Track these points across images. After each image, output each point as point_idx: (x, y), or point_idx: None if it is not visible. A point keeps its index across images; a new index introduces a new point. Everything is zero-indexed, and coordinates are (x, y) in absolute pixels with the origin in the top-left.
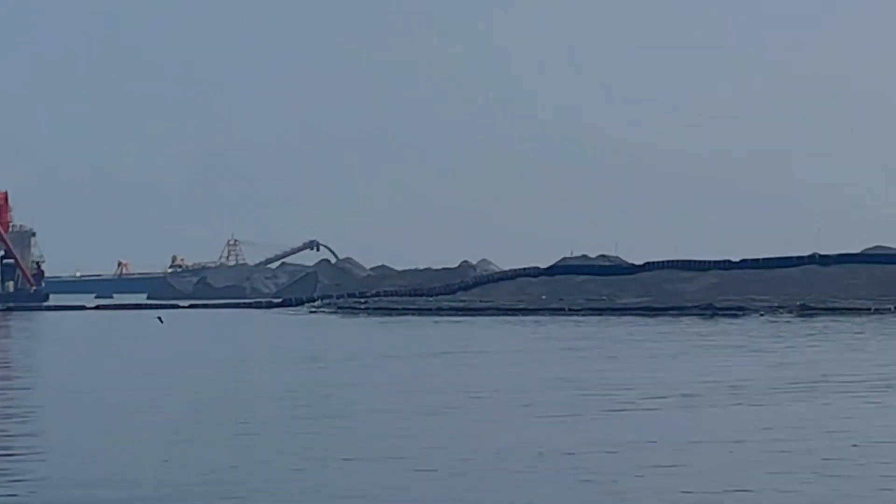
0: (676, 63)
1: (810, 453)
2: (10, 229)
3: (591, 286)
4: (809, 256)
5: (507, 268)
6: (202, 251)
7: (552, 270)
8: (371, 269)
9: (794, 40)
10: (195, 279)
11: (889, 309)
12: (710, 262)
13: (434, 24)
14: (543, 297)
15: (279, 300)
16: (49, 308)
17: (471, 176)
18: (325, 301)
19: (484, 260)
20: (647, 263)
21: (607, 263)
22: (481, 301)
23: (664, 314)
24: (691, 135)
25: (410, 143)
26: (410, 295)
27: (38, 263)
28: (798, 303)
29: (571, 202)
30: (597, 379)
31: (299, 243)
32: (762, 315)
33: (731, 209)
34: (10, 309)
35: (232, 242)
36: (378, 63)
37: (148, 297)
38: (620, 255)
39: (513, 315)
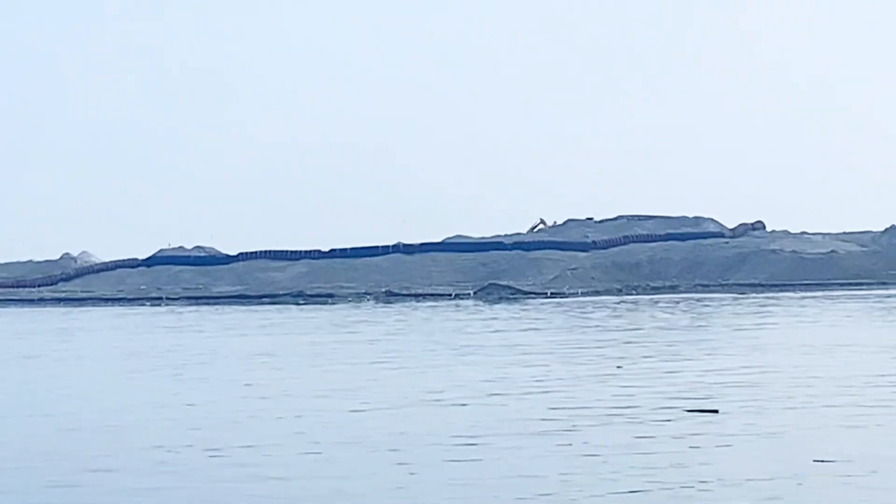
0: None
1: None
2: None
3: (188, 276)
4: (394, 246)
5: (107, 259)
6: None
7: (150, 261)
8: None
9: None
10: None
11: (468, 294)
12: (300, 251)
13: None
14: (142, 286)
15: None
16: None
17: (68, 166)
18: None
19: (85, 252)
20: (241, 254)
21: (203, 254)
22: (83, 291)
23: (258, 301)
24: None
25: None
26: (13, 286)
27: None
28: (384, 289)
29: (167, 193)
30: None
31: None
32: (350, 301)
33: (323, 202)
34: None
35: None
36: None
37: None
38: (216, 246)
39: (113, 305)
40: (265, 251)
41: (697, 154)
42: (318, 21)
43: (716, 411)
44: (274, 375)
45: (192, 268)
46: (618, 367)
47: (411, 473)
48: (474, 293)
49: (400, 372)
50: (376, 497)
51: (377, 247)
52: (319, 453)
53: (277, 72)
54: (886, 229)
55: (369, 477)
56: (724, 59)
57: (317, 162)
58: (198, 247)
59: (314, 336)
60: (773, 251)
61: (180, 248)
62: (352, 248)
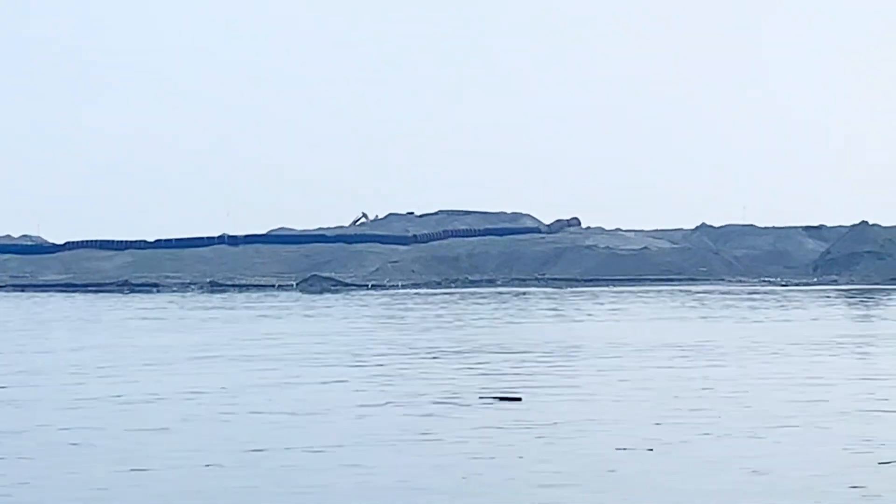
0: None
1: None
2: None
3: (14, 264)
4: (219, 237)
5: None
6: None
7: None
8: None
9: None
10: None
11: (291, 285)
12: (126, 241)
13: None
14: None
15: None
16: None
17: None
18: None
19: None
20: (68, 243)
21: (29, 243)
22: None
23: (84, 290)
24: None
25: None
26: None
27: None
28: (208, 280)
29: None
30: None
31: None
32: (175, 290)
33: (150, 192)
34: None
35: None
36: None
37: None
38: (42, 235)
39: None
40: (91, 240)
41: (516, 151)
42: (153, 13)
43: (519, 399)
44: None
45: (18, 256)
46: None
47: None
48: (297, 284)
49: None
50: None
51: (202, 238)
52: None
53: (104, 61)
54: (696, 227)
55: None
56: (536, 60)
57: (143, 153)
58: (24, 235)
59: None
60: (588, 247)
61: (6, 236)
62: (177, 239)
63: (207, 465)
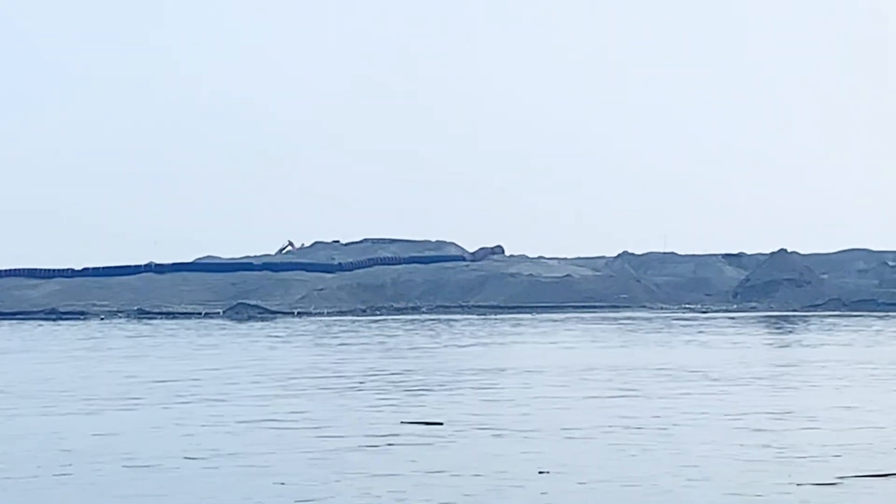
0: None
1: None
2: None
3: None
4: (147, 265)
5: None
6: None
7: None
8: None
9: None
10: None
11: (218, 313)
12: (54, 270)
13: None
14: None
15: None
16: None
17: None
18: None
19: None
20: None
21: None
22: None
23: (11, 318)
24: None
25: None
26: None
27: None
28: (136, 307)
29: None
30: None
31: None
32: (102, 318)
33: (77, 221)
34: None
35: None
36: None
37: None
38: None
39: None
40: (18, 269)
41: (441, 179)
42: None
43: (441, 423)
44: None
45: None
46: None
47: None
48: (224, 312)
49: None
50: None
51: (130, 266)
52: None
53: (34, 82)
54: (618, 255)
55: None
56: (459, 88)
57: (71, 181)
58: None
59: None
60: (512, 275)
61: None
62: (105, 267)
63: None
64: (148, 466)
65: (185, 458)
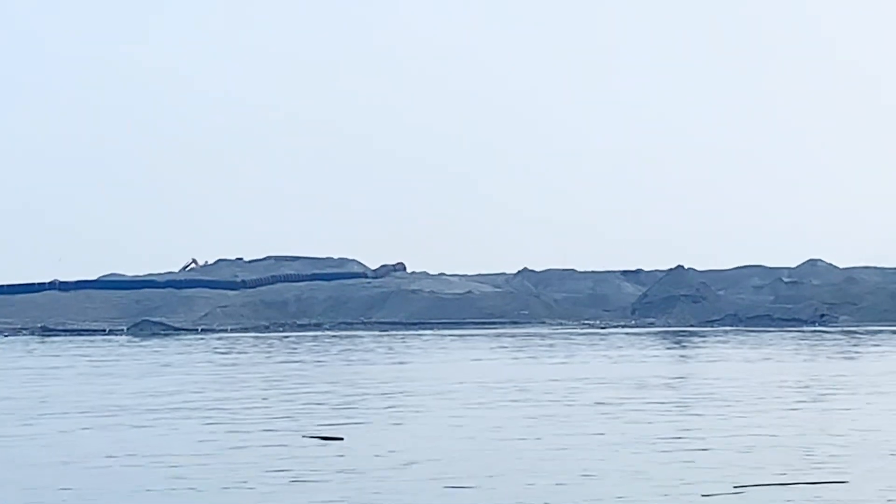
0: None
1: None
2: None
3: None
4: (51, 282)
5: None
6: None
7: None
8: None
9: None
10: None
11: (122, 330)
12: None
13: None
14: None
15: None
16: None
17: None
18: None
19: None
20: None
21: None
22: None
23: None
24: None
25: None
26: None
27: None
28: (39, 325)
29: None
30: None
31: None
32: (6, 336)
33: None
34: None
35: None
36: None
37: None
38: None
39: None
40: None
41: (343, 198)
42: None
43: (341, 438)
44: None
45: None
46: (263, 398)
47: None
48: (127, 329)
49: None
50: None
51: (34, 283)
52: None
53: None
54: (518, 272)
55: None
56: (365, 108)
57: None
58: None
59: None
60: (413, 291)
61: None
62: (8, 285)
63: None
64: None
65: None
